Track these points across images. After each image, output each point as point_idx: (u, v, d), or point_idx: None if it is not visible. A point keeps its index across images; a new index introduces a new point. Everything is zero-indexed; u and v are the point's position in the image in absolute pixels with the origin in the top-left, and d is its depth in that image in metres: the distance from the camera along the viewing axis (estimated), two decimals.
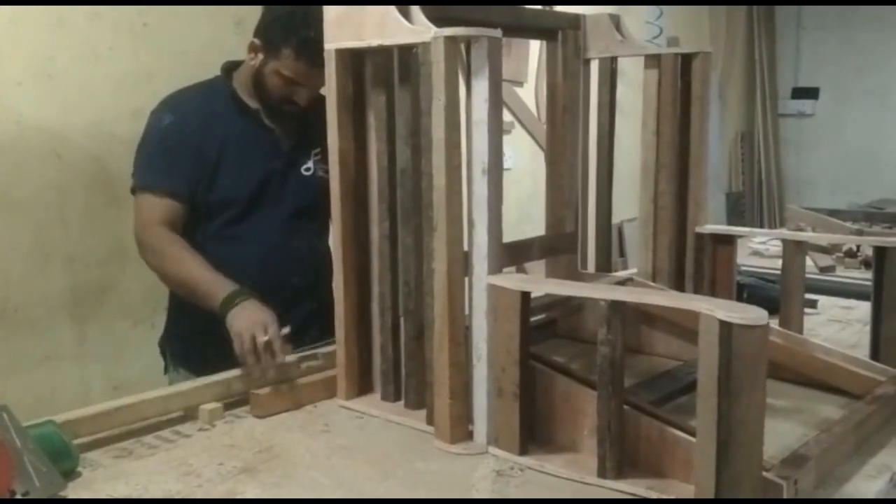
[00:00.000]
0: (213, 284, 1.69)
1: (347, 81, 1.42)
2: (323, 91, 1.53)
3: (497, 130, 1.23)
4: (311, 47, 1.65)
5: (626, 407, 1.17)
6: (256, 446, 1.31)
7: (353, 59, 1.42)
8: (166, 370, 1.95)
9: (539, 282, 1.34)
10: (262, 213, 1.83)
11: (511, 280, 1.22)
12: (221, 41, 2.17)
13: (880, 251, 1.49)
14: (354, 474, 1.21)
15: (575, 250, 1.82)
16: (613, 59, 1.78)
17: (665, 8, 3.27)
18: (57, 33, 2.04)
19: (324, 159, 1.87)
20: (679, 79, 1.72)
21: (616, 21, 1.78)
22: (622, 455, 1.16)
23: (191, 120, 1.78)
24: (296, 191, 1.86)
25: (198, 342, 1.86)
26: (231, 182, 1.79)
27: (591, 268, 1.87)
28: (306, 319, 1.90)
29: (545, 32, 1.79)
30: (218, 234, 1.81)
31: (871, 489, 1.13)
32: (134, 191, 1.79)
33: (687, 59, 1.72)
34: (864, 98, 5.01)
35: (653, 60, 1.74)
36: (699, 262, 1.72)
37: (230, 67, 1.83)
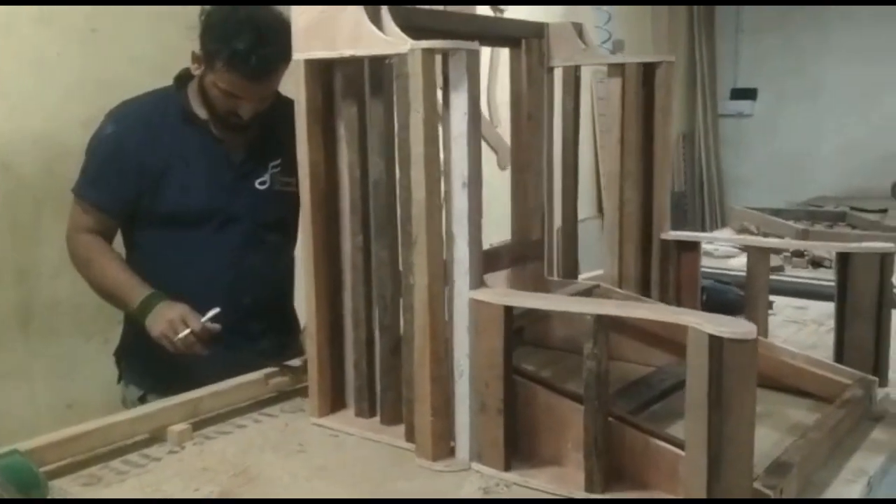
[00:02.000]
0: (129, 290, 1.69)
1: (317, 92, 1.39)
2: (292, 98, 1.50)
3: (476, 144, 1.22)
4: (243, 61, 1.60)
5: (610, 419, 1.17)
6: (231, 469, 1.28)
7: (323, 70, 1.39)
8: (119, 380, 1.89)
9: (522, 296, 1.33)
10: (212, 228, 1.79)
11: (494, 294, 1.21)
12: (175, 47, 2.11)
13: (844, 257, 1.52)
14: (336, 496, 1.18)
15: (541, 257, 1.82)
16: (577, 68, 1.78)
17: (612, 11, 3.31)
18: (2, 39, 1.95)
19: (284, 172, 1.83)
20: (642, 87, 1.73)
21: (579, 29, 1.79)
22: (609, 468, 1.16)
23: (134, 131, 1.73)
24: (249, 206, 1.81)
25: (153, 356, 1.82)
26: (178, 195, 1.74)
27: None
28: (255, 340, 1.86)
29: (509, 41, 1.78)
30: (166, 249, 1.76)
31: (852, 494, 1.15)
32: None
33: (650, 68, 1.74)
34: (800, 99, 5.15)
35: (616, 69, 1.76)
36: (664, 268, 1.74)
37: (184, 76, 1.78)
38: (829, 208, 4.13)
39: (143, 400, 1.80)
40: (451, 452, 1.27)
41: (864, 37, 4.93)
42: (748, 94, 5.23)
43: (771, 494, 1.05)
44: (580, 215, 1.85)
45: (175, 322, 1.61)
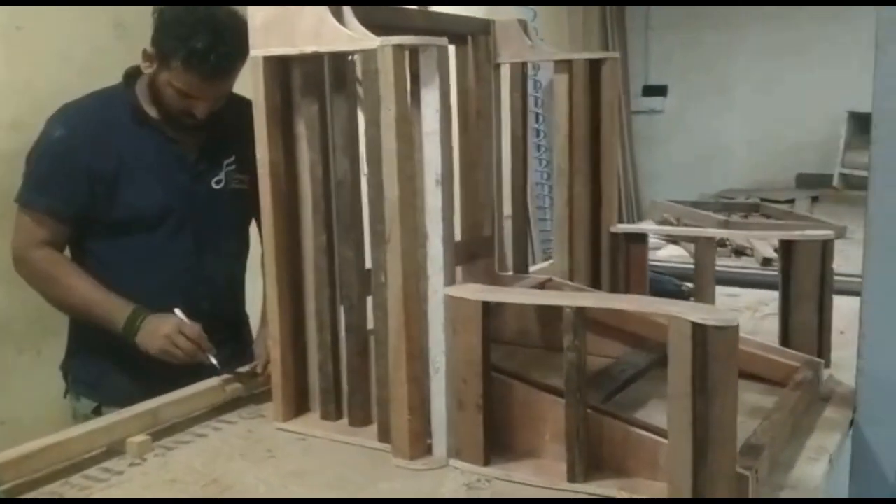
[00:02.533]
0: (108, 308, 1.64)
1: (276, 90, 1.36)
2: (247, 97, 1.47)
3: (448, 140, 1.22)
4: (201, 59, 1.56)
5: (588, 410, 1.19)
6: (201, 479, 1.24)
7: (281, 67, 1.36)
8: (66, 395, 1.81)
9: (499, 291, 1.34)
10: (167, 231, 1.73)
11: (471, 291, 1.21)
12: (105, 47, 2.03)
13: (787, 245, 1.59)
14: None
15: (493, 254, 1.83)
16: (524, 65, 1.80)
17: (538, 9, 3.36)
18: None
19: (239, 169, 1.79)
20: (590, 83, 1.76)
21: (524, 26, 1.80)
22: (588, 458, 1.17)
23: (82, 133, 1.66)
24: (207, 206, 1.76)
25: (105, 366, 1.75)
26: (133, 199, 1.68)
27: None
28: (218, 347, 1.82)
29: (457, 37, 1.78)
30: (122, 255, 1.70)
31: (817, 472, 1.21)
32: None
33: (595, 65, 1.77)
34: (708, 95, 5.34)
35: (563, 65, 1.78)
36: (614, 260, 1.77)
37: (133, 74, 1.71)
38: (741, 200, 4.29)
39: (98, 412, 1.72)
40: (428, 451, 1.27)
41: (768, 35, 5.14)
42: (659, 90, 5.40)
43: (749, 475, 1.08)
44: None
45: (173, 336, 1.57)
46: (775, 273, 2.54)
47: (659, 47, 5.33)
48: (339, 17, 1.28)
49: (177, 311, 1.60)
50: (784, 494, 1.14)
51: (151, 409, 1.41)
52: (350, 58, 1.31)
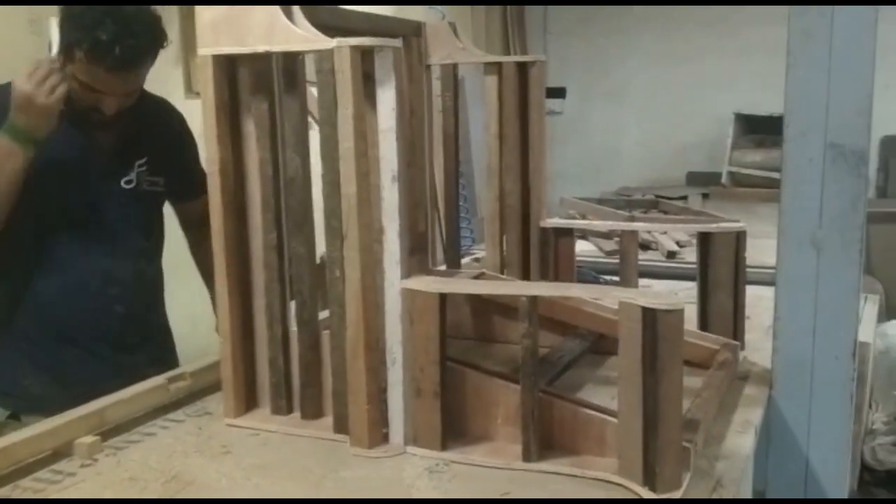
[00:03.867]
0: None
1: (224, 88, 1.37)
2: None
3: (404, 138, 1.26)
4: (106, 51, 1.54)
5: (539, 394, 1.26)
6: (160, 476, 1.24)
7: (229, 65, 1.37)
8: None
9: (454, 283, 1.39)
10: (77, 231, 1.69)
11: (427, 283, 1.26)
12: (16, 42, 1.97)
13: (705, 236, 1.71)
14: (284, 492, 1.18)
15: (426, 250, 1.88)
16: (455, 66, 1.86)
17: (445, 10, 3.43)
18: None
19: (151, 171, 1.77)
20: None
21: (454, 28, 1.86)
22: (541, 438, 1.24)
23: None
24: (117, 207, 1.74)
25: (20, 373, 1.71)
26: (41, 196, 1.63)
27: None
28: (134, 350, 1.81)
29: (392, 38, 1.82)
30: (29, 256, 1.65)
31: (746, 443, 1.31)
32: None
33: (523, 67, 1.85)
34: (605, 97, 5.56)
35: (493, 67, 1.85)
36: (545, 253, 1.85)
37: None
38: (638, 197, 4.49)
39: (15, 418, 1.68)
40: (385, 439, 1.31)
41: (659, 42, 5.40)
42: (558, 92, 5.56)
43: (690, 448, 1.18)
44: None
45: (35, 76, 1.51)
46: (679, 265, 2.72)
47: (557, 51, 5.50)
48: (290, 17, 1.31)
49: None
50: (719, 464, 1.24)
51: (97, 411, 1.39)
52: (300, 57, 1.33)
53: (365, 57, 1.23)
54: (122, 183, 1.74)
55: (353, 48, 1.21)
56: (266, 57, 1.34)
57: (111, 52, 1.54)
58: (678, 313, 1.10)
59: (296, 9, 1.32)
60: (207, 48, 1.34)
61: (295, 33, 1.28)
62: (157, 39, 1.63)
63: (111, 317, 1.71)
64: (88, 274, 1.71)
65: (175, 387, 1.53)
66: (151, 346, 1.87)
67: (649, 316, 1.09)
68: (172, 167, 1.82)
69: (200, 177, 1.85)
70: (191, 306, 2.08)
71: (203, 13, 1.34)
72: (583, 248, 3.07)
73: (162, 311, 1.95)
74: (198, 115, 2.89)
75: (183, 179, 1.83)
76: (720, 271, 1.71)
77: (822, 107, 1.47)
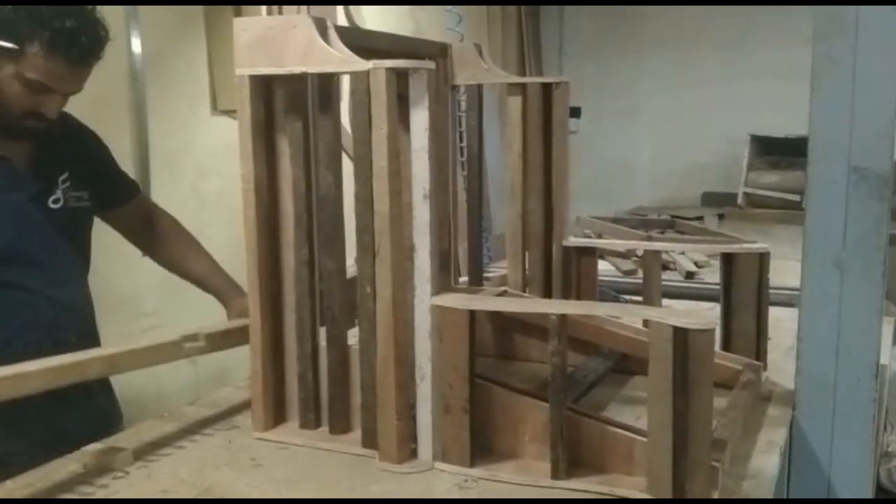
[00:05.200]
0: None
1: (260, 108, 1.40)
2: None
3: (435, 157, 1.28)
4: (70, 41, 1.46)
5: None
6: (193, 489, 1.25)
7: (265, 85, 1.40)
8: None
9: (483, 300, 1.40)
10: (14, 260, 1.57)
11: (457, 300, 1.28)
12: None
13: (728, 257, 1.72)
14: None
15: (449, 267, 1.90)
16: (480, 86, 1.89)
17: (460, 11, 3.45)
18: None
19: (74, 186, 1.66)
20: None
21: (479, 50, 1.89)
22: (569, 456, 1.25)
23: None
24: (49, 229, 1.61)
25: None
26: None
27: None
28: (90, 396, 1.70)
29: (418, 59, 1.85)
30: None
31: (771, 462, 1.32)
32: None
33: (547, 87, 1.87)
34: (619, 117, 5.58)
35: (517, 88, 1.88)
36: (567, 272, 1.87)
37: None
38: (654, 216, 4.51)
39: None
40: (414, 454, 1.32)
41: (674, 63, 5.43)
42: (573, 112, 5.59)
43: (719, 467, 1.19)
44: None
45: None
46: (698, 285, 2.73)
47: (571, 71, 5.54)
48: (326, 38, 1.34)
49: None
50: (746, 484, 1.25)
51: (109, 356, 1.39)
52: (336, 78, 1.36)
53: (399, 78, 1.26)
54: (50, 203, 1.62)
55: (389, 70, 1.24)
56: (302, 77, 1.37)
57: (76, 42, 1.47)
58: (709, 333, 1.11)
59: (332, 30, 1.35)
60: (244, 69, 1.37)
61: (331, 55, 1.31)
62: (107, 34, 1.55)
63: (67, 348, 1.46)
64: (39, 305, 1.60)
65: (190, 346, 1.50)
66: (108, 393, 1.77)
67: (680, 335, 1.11)
68: (95, 177, 1.72)
69: (126, 179, 1.82)
70: (211, 318, 2.08)
71: (242, 33, 1.37)
72: (600, 267, 3.08)
73: (97, 338, 1.80)
74: (223, 133, 2.93)
75: (109, 186, 1.74)
76: (743, 292, 1.72)
77: (845, 131, 1.48)
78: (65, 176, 1.64)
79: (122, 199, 1.74)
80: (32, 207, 1.59)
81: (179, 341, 1.50)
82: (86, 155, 1.73)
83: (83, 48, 1.50)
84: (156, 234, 1.73)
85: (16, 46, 1.44)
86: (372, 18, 3.73)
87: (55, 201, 1.62)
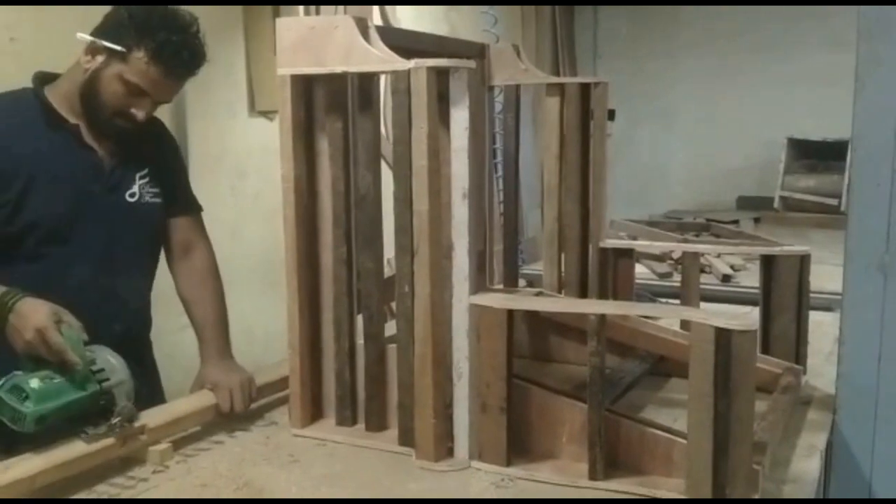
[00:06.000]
0: None
1: (301, 107, 1.41)
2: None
3: (475, 156, 1.28)
4: (169, 52, 1.53)
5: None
6: (232, 483, 1.27)
7: (306, 85, 1.41)
8: None
9: (521, 300, 1.40)
10: (76, 243, 1.61)
11: (496, 299, 1.28)
12: None
13: (768, 260, 1.70)
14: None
15: (484, 269, 1.90)
16: (517, 87, 1.89)
17: (496, 12, 3.44)
18: None
19: (152, 183, 1.71)
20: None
21: (517, 50, 1.89)
22: (607, 457, 1.25)
23: None
24: (118, 220, 1.66)
25: None
26: (41, 206, 1.56)
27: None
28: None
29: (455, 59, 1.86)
30: (21, 269, 1.56)
31: (811, 466, 1.31)
32: None
33: (586, 88, 1.87)
34: (652, 120, 5.54)
35: (555, 89, 1.87)
36: (603, 274, 1.86)
37: (44, 78, 1.63)
38: (689, 220, 4.47)
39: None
40: (450, 453, 1.32)
41: (709, 66, 5.38)
42: (609, 114, 5.55)
43: (759, 470, 1.17)
44: None
45: (46, 331, 1.33)
46: (735, 288, 2.70)
47: (606, 75, 5.50)
48: (367, 38, 1.35)
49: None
50: (786, 488, 1.23)
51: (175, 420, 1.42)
52: (376, 78, 1.37)
53: (440, 77, 1.26)
54: (127, 196, 1.67)
55: (430, 69, 1.24)
56: (342, 77, 1.37)
57: (178, 56, 1.55)
58: (752, 334, 1.10)
59: (372, 30, 1.36)
60: (286, 68, 1.39)
61: (372, 54, 1.31)
62: (205, 56, 1.62)
63: (109, 337, 1.51)
64: (86, 290, 1.61)
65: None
66: (134, 365, 1.75)
67: (723, 336, 1.10)
68: (165, 181, 1.75)
69: (190, 196, 1.84)
70: (245, 320, 2.09)
71: (285, 33, 1.38)
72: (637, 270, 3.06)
73: (149, 330, 1.83)
74: (260, 134, 2.94)
75: (174, 195, 1.77)
76: (784, 295, 1.70)
77: (889, 132, 1.46)
78: (144, 173, 1.71)
79: (177, 211, 1.77)
80: (108, 196, 1.65)
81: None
82: (163, 158, 1.79)
83: (183, 62, 1.57)
84: (185, 265, 1.73)
85: (123, 49, 1.53)
86: (407, 20, 3.74)
87: (131, 195, 1.68)
